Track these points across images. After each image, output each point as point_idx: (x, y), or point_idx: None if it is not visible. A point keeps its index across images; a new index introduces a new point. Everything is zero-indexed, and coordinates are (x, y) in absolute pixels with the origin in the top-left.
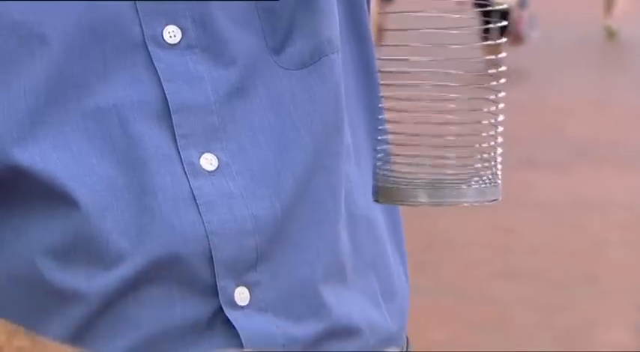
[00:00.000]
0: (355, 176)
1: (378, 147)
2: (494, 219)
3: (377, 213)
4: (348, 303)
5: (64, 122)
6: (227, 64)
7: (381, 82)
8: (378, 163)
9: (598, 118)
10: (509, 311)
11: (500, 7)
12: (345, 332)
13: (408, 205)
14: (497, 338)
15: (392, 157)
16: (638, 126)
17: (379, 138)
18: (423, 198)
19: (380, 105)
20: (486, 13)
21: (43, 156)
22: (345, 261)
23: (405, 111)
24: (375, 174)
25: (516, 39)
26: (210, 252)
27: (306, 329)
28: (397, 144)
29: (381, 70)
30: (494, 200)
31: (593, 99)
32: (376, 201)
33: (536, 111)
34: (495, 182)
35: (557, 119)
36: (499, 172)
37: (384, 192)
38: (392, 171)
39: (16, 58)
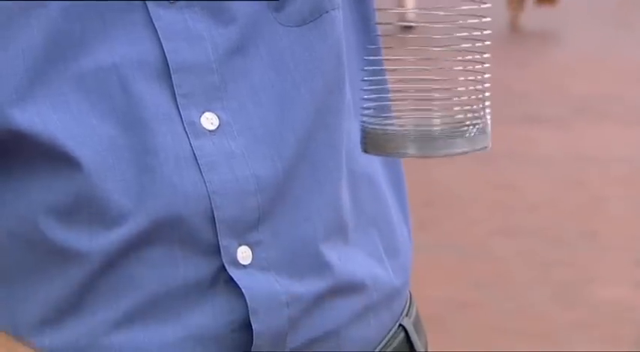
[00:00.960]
0: (355, 133)
1: (366, 97)
2: (495, 176)
3: (378, 170)
4: (351, 260)
5: (63, 82)
6: (227, 22)
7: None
8: (366, 112)
9: (599, 74)
10: (509, 267)
11: None
12: (348, 288)
13: (396, 156)
14: (496, 294)
15: (380, 107)
16: (638, 81)
17: (366, 88)
18: (412, 150)
19: (380, 62)
20: None
21: (43, 117)
22: (346, 218)
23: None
24: (363, 125)
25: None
26: (212, 212)
27: (310, 286)
28: (385, 95)
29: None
30: (484, 148)
31: (596, 56)
32: (365, 151)
33: (538, 68)
34: (485, 129)
35: (558, 76)
36: (489, 120)
37: (373, 143)
38: (380, 121)
39: (14, 18)
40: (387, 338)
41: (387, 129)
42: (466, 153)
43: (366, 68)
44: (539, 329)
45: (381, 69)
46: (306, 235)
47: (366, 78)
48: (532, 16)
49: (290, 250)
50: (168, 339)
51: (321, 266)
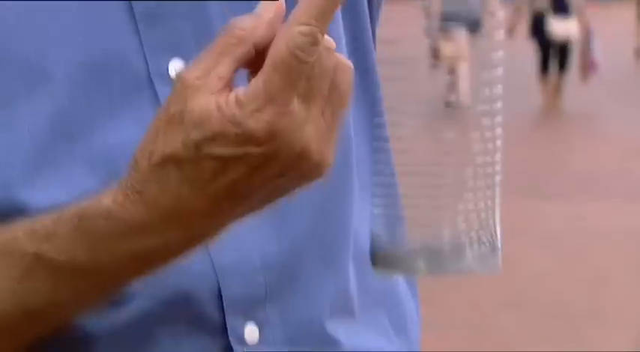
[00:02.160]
0: (361, 211)
1: (375, 212)
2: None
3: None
4: (359, 337)
5: (70, 161)
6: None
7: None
8: (372, 229)
9: (602, 150)
10: (514, 341)
11: (561, 39)
12: None
13: (406, 274)
14: None
15: (388, 219)
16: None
17: (375, 199)
18: (420, 268)
19: (384, 140)
20: (545, 47)
21: (51, 197)
22: (354, 296)
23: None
24: (371, 240)
25: (586, 71)
26: (219, 290)
27: None
28: (392, 206)
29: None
30: (494, 266)
31: (599, 132)
32: (374, 267)
33: (544, 143)
34: (495, 246)
35: (562, 150)
36: (499, 235)
37: (382, 261)
38: (390, 237)
39: (19, 96)
40: None
41: (396, 248)
42: (475, 271)
43: (375, 173)
44: None
45: (392, 173)
46: (314, 313)
47: (375, 183)
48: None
49: (297, 328)
50: None
51: (328, 344)
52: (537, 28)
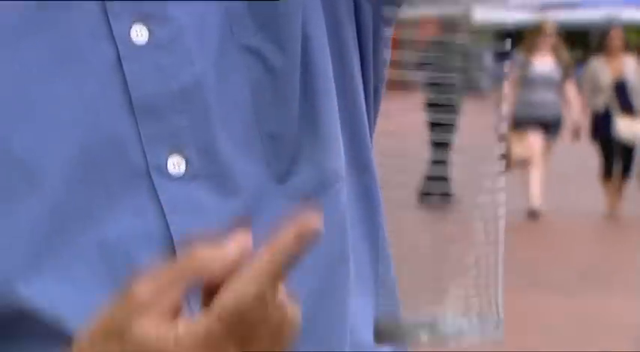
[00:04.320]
0: (358, 305)
1: (381, 290)
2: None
3: (385, 349)
4: None
5: (69, 255)
6: (231, 193)
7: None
8: (379, 300)
9: (604, 240)
10: None
11: (625, 141)
12: None
13: (408, 344)
14: None
15: (392, 293)
16: None
17: (379, 272)
18: (423, 338)
19: (382, 233)
20: (608, 150)
21: (48, 293)
22: None
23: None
24: (375, 315)
25: None
26: None
27: None
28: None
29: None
30: (497, 337)
31: (599, 222)
32: (376, 341)
33: (541, 234)
34: (498, 318)
35: (563, 242)
36: (500, 307)
37: (384, 332)
38: (392, 309)
39: (17, 192)
40: None
41: (398, 320)
42: (478, 340)
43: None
44: None
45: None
46: None
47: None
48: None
49: None
50: None
51: None
52: (598, 128)
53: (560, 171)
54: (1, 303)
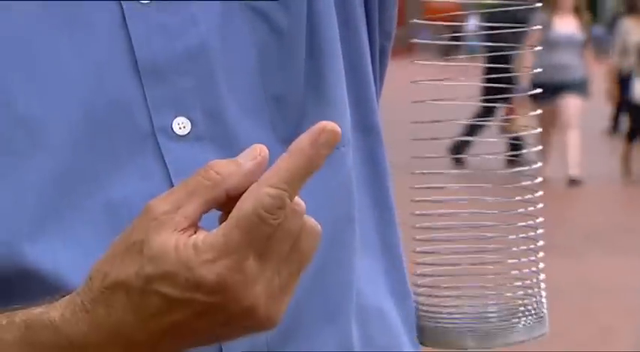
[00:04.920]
0: (362, 267)
1: (419, 282)
2: None
3: (388, 302)
4: None
5: (74, 217)
6: (236, 155)
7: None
8: (420, 299)
9: (609, 204)
10: None
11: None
12: None
13: (453, 349)
14: None
15: (433, 294)
16: None
17: (419, 272)
18: (470, 343)
19: (387, 197)
20: (633, 115)
21: (53, 254)
22: None
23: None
24: (417, 312)
25: None
26: (220, 349)
27: None
28: (437, 279)
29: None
30: (542, 335)
31: (606, 186)
32: (421, 343)
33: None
34: (541, 314)
35: (568, 205)
36: (544, 300)
37: (430, 334)
38: (435, 309)
39: (23, 152)
40: None
41: (443, 324)
42: (523, 342)
43: (418, 238)
44: None
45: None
46: None
47: (418, 250)
48: None
49: None
50: None
51: None
52: (623, 91)
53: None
54: (5, 263)
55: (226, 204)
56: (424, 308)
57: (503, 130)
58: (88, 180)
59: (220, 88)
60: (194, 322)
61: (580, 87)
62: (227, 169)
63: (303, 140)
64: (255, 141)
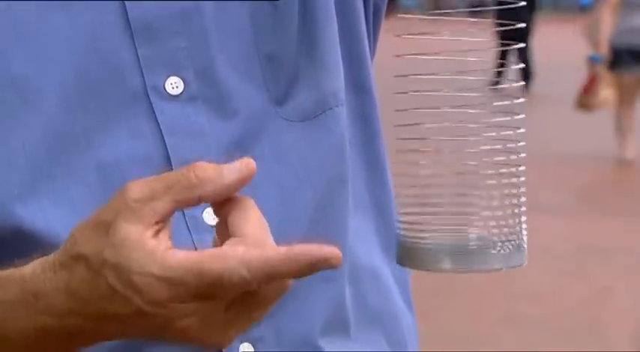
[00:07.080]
0: (355, 227)
1: (402, 211)
2: None
3: (381, 262)
4: None
5: (66, 177)
6: (229, 116)
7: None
8: (401, 225)
9: (602, 165)
10: None
11: None
12: None
13: (431, 271)
14: None
15: (414, 219)
16: None
17: (400, 198)
18: (447, 264)
19: (380, 158)
20: None
21: (45, 214)
22: (349, 314)
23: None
24: (397, 237)
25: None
26: None
27: None
28: (418, 205)
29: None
30: (519, 265)
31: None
32: (399, 264)
33: (541, 159)
34: (521, 245)
35: (560, 165)
36: (525, 237)
37: (408, 256)
38: (417, 235)
39: (14, 112)
40: None
41: (422, 244)
42: (500, 269)
43: (402, 180)
44: None
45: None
46: (308, 331)
47: (403, 192)
48: (535, 105)
49: (291, 346)
50: None
51: None
52: None
53: None
54: None
55: (199, 204)
56: (404, 226)
57: (583, 106)
58: (79, 140)
59: (213, 49)
60: (136, 319)
61: None
62: (207, 175)
63: (306, 255)
64: (249, 101)
